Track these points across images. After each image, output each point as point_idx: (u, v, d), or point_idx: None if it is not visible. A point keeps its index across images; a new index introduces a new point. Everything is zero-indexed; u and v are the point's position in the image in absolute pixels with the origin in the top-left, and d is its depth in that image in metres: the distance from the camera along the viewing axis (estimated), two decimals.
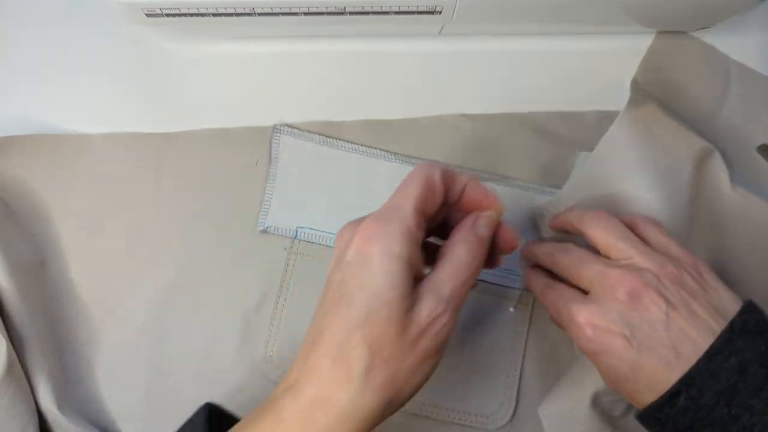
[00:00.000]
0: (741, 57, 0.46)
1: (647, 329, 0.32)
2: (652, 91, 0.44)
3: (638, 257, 0.34)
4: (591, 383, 0.38)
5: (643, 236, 0.36)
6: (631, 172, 0.40)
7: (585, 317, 0.33)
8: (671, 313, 0.32)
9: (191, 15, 0.39)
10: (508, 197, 0.44)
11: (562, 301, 0.35)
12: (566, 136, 0.45)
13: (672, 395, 0.30)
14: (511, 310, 0.43)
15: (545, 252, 0.38)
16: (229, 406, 0.41)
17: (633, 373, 0.32)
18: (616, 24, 0.45)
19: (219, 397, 0.41)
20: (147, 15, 0.39)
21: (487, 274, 0.43)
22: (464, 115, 0.45)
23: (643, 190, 0.39)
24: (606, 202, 0.40)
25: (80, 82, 0.45)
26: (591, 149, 0.44)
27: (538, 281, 0.38)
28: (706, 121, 0.43)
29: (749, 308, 0.32)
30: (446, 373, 0.41)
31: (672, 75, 0.45)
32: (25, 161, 0.43)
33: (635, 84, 0.43)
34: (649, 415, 0.32)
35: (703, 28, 0.46)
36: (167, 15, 0.39)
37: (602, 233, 0.35)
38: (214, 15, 0.39)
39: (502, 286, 0.43)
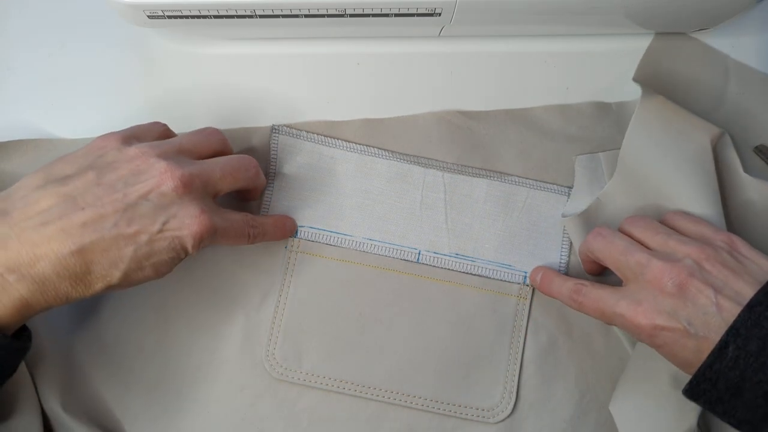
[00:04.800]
0: (739, 57, 0.47)
1: (702, 317, 0.34)
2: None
3: (677, 245, 0.36)
4: (665, 372, 0.39)
5: (675, 227, 0.39)
6: (662, 165, 0.41)
7: (646, 319, 0.35)
8: (719, 297, 0.34)
9: (193, 17, 0.39)
10: (505, 194, 0.44)
11: (606, 304, 0.37)
12: (562, 129, 0.45)
13: (721, 347, 0.32)
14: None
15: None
16: (232, 404, 0.41)
17: (696, 356, 0.34)
18: (615, 26, 0.45)
19: (221, 396, 0.41)
20: (149, 17, 0.39)
21: (486, 269, 0.43)
22: (461, 112, 0.45)
23: (679, 182, 0.41)
24: (642, 205, 0.42)
25: (81, 83, 0.45)
26: (587, 143, 0.45)
27: (563, 287, 0.40)
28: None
29: None
30: (446, 368, 0.42)
31: (670, 75, 0.46)
32: (25, 164, 0.43)
33: (637, 81, 0.44)
34: (700, 378, 0.33)
35: (702, 29, 0.46)
36: (169, 17, 0.39)
37: (641, 231, 0.38)
38: (216, 17, 0.39)
39: (500, 280, 0.43)
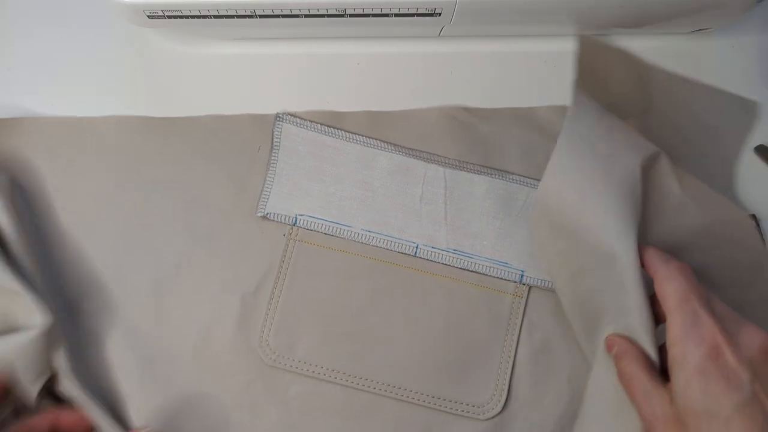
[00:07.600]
0: (740, 57, 0.46)
1: None
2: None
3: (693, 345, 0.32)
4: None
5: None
6: (585, 190, 0.38)
7: None
8: None
9: (193, 17, 0.39)
10: (505, 192, 0.44)
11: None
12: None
13: None
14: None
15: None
16: (225, 389, 0.41)
17: None
18: (614, 26, 0.45)
19: (214, 379, 0.41)
20: (149, 17, 0.39)
21: (483, 266, 0.44)
22: (465, 109, 0.45)
23: (599, 204, 0.37)
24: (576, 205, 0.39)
25: (81, 83, 0.45)
26: None
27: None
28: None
29: None
30: (439, 363, 0.42)
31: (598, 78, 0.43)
32: (29, 142, 0.43)
33: (577, 89, 0.40)
34: None
35: (702, 30, 0.46)
36: (169, 17, 0.39)
37: (670, 291, 0.34)
38: (216, 17, 0.39)
39: (497, 278, 0.43)
